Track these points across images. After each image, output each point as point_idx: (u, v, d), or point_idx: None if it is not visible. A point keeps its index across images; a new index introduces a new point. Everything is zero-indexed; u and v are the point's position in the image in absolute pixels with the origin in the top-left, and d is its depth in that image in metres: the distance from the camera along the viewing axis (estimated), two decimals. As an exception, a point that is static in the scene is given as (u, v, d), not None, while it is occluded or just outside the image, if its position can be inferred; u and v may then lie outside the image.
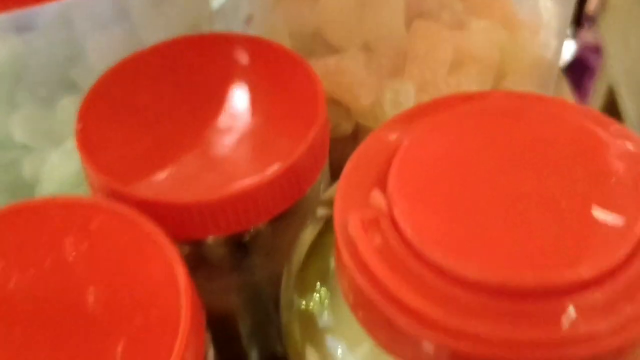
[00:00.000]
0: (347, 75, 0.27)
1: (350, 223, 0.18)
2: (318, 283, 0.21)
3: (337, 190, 0.19)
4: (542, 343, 0.16)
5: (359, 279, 0.17)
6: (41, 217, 0.20)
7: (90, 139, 0.23)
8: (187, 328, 0.18)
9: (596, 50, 0.61)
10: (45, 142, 0.29)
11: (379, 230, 0.18)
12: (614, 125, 0.20)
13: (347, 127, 0.29)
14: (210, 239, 0.23)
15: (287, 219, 0.24)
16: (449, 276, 0.17)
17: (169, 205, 0.21)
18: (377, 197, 0.18)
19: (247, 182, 0.21)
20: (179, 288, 0.19)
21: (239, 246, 0.24)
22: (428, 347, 0.17)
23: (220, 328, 0.22)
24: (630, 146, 0.19)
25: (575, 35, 0.49)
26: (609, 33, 0.51)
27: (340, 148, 0.27)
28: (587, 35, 0.60)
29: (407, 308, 0.17)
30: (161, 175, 0.22)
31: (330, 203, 0.22)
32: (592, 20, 0.59)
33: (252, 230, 0.23)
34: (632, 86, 0.47)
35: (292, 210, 0.23)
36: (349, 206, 0.18)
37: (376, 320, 0.18)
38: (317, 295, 0.21)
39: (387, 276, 0.17)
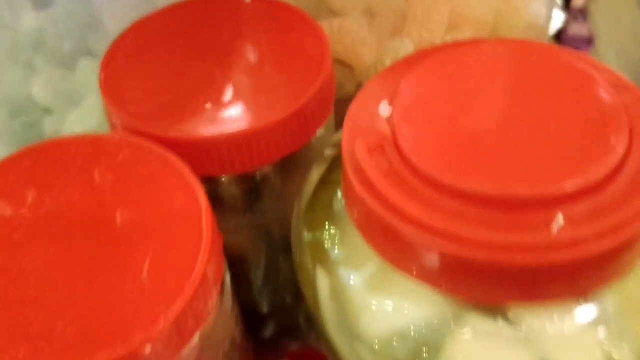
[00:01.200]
0: (349, 35, 0.29)
1: (357, 148, 0.20)
2: (325, 214, 0.23)
3: (345, 120, 0.21)
4: (534, 247, 0.17)
5: (366, 197, 0.19)
6: (71, 151, 0.22)
7: (113, 86, 0.24)
8: (208, 244, 0.20)
9: (588, 42, 0.63)
10: (65, 103, 0.31)
11: (383, 154, 0.19)
12: (601, 65, 0.21)
13: (350, 88, 0.31)
14: (224, 179, 0.25)
15: (293, 164, 0.25)
16: (448, 190, 0.18)
17: (188, 142, 0.22)
18: (381, 125, 0.20)
19: (259, 121, 0.23)
20: (200, 210, 0.20)
21: (251, 189, 0.26)
22: (430, 255, 0.18)
23: (232, 272, 0.24)
24: (615, 81, 0.21)
25: (565, 6, 0.51)
26: (600, 14, 0.52)
27: (344, 109, 0.29)
28: (580, 27, 0.61)
29: (410, 219, 0.18)
30: (179, 117, 0.23)
31: (337, 144, 0.24)
32: (583, 13, 0.61)
33: (262, 172, 0.25)
34: (623, 67, 0.48)
35: (298, 156, 0.25)
36: (356, 134, 0.20)
37: (382, 235, 0.19)
38: (325, 225, 0.22)
39: (392, 193, 0.19)
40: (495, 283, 0.18)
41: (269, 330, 0.32)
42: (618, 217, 0.18)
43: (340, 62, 0.30)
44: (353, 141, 0.20)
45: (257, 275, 0.29)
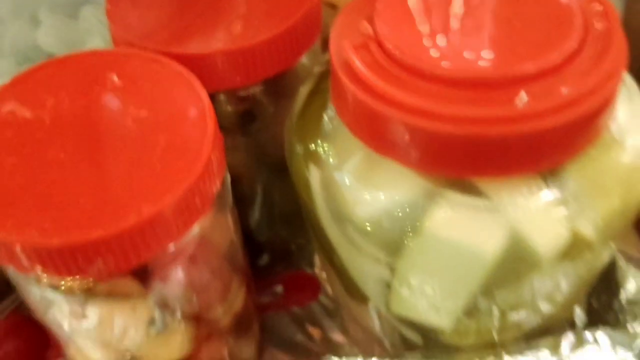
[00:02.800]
0: (334, -25, 0.31)
1: (344, 47, 0.22)
2: (315, 120, 0.25)
3: (333, 27, 0.23)
4: (501, 119, 0.20)
5: (353, 87, 0.21)
6: (86, 63, 0.24)
7: (118, 14, 0.27)
8: (211, 135, 0.22)
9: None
10: (69, 48, 0.33)
11: (367, 50, 0.22)
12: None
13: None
14: (221, 97, 0.27)
15: (282, 88, 0.28)
16: (425, 75, 0.21)
17: (187, 57, 0.25)
18: (365, 27, 0.22)
19: (250, 40, 0.25)
20: (204, 108, 0.23)
21: (245, 111, 0.28)
22: (408, 134, 0.21)
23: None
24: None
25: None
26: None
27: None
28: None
29: (391, 102, 0.21)
30: (178, 37, 0.26)
31: (324, 63, 0.26)
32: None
33: (254, 92, 0.27)
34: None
35: (286, 80, 0.28)
36: (343, 36, 0.22)
37: (367, 122, 0.22)
38: (315, 129, 0.25)
39: (375, 80, 0.21)
40: (466, 157, 0.21)
41: (264, 259, 0.35)
42: (575, 94, 0.20)
43: (326, 4, 0.32)
44: (340, 42, 0.22)
45: (254, 200, 0.31)
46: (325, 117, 0.25)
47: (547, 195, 0.22)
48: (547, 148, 0.21)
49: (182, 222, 0.21)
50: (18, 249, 0.20)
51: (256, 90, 0.28)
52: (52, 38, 0.33)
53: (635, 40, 0.24)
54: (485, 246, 0.22)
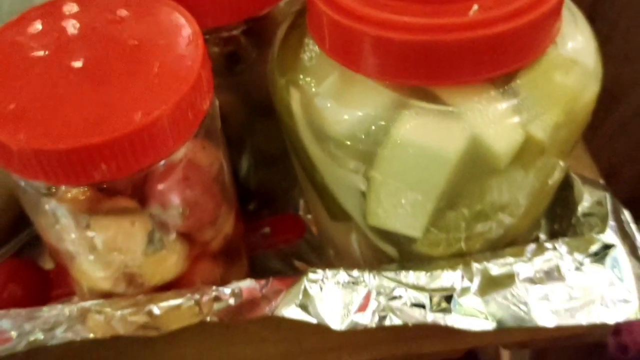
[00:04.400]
0: None
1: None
2: (294, 51, 0.28)
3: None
4: (455, 27, 0.23)
5: (327, 9, 0.24)
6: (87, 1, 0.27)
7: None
8: (200, 55, 0.24)
9: None
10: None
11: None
12: None
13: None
14: (207, 38, 0.29)
15: (262, 32, 0.30)
16: (390, -6, 0.23)
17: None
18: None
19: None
20: (194, 34, 0.25)
21: (230, 53, 0.31)
22: (376, 46, 0.23)
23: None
24: None
25: None
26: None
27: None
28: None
29: (361, 19, 0.23)
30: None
31: (301, 3, 0.29)
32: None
33: (237, 34, 0.30)
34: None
35: (265, 24, 0.30)
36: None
37: (340, 42, 0.24)
38: (294, 59, 0.27)
39: (346, 1, 0.24)
40: (426, 65, 0.23)
41: (252, 205, 0.37)
42: (520, 6, 0.23)
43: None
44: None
45: (241, 147, 0.34)
46: (303, 49, 0.27)
47: (502, 103, 0.25)
48: (497, 54, 0.23)
49: (176, 132, 0.24)
50: (31, 156, 0.22)
51: (238, 31, 0.30)
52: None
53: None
54: (448, 148, 0.24)
